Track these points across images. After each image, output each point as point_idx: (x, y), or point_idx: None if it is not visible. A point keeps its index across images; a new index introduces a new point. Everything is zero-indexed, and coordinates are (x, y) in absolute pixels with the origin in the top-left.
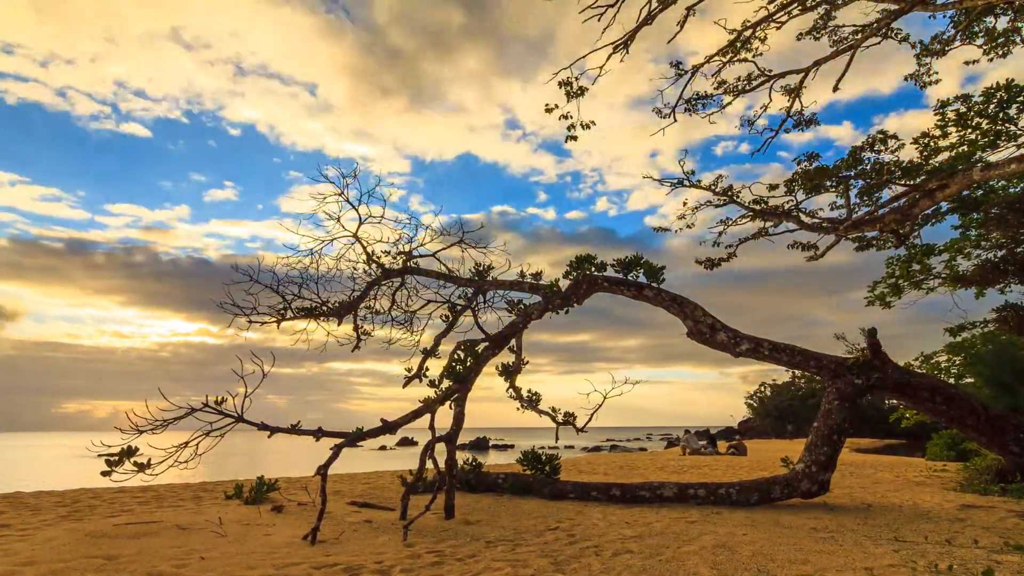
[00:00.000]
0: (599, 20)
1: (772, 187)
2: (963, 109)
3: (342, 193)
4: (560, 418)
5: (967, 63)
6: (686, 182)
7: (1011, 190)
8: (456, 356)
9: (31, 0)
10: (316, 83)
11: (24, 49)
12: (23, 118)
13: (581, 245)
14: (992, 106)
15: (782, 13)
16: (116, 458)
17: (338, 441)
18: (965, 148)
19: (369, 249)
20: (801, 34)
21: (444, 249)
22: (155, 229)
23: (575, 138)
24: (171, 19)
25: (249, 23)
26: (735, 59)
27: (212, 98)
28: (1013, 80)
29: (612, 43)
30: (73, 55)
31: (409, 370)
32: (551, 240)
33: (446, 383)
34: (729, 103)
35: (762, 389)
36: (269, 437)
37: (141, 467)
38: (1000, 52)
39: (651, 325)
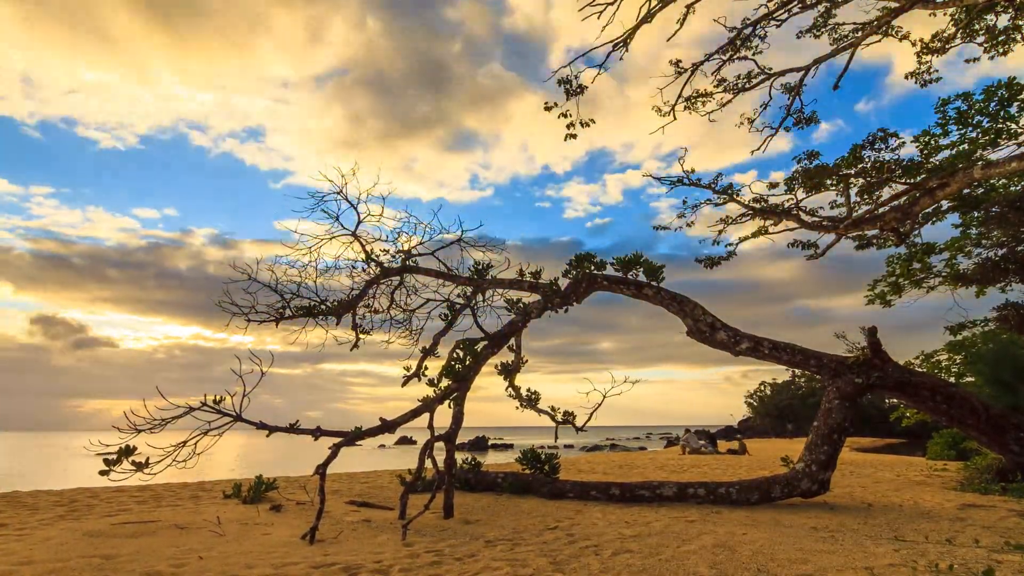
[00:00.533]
0: (598, 17)
1: (772, 185)
2: (963, 107)
3: (340, 192)
4: (559, 417)
5: (968, 61)
6: (685, 180)
7: (1012, 188)
8: (455, 355)
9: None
10: (310, 149)
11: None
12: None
13: (551, 256)
14: (993, 104)
15: (782, 11)
16: (114, 457)
17: (337, 440)
18: (966, 146)
19: (368, 247)
20: (801, 32)
21: (443, 248)
22: (164, 245)
23: (575, 136)
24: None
25: (258, 119)
26: (735, 57)
27: (220, 152)
28: (1014, 78)
29: (612, 40)
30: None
31: (408, 369)
32: (517, 254)
33: (445, 382)
34: (729, 100)
35: (762, 388)
36: (268, 436)
37: (139, 466)
38: (1001, 50)
39: (623, 329)
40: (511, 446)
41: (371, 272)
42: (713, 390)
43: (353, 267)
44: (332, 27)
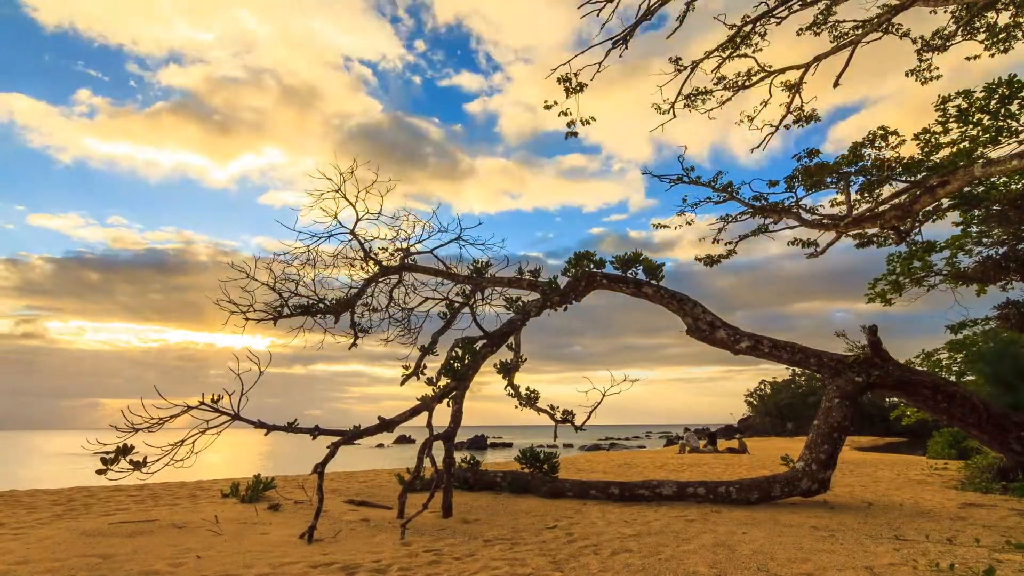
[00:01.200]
0: (598, 15)
1: (772, 183)
2: (964, 105)
3: (339, 190)
4: (559, 416)
5: (968, 59)
6: (685, 179)
7: (1012, 186)
8: (454, 354)
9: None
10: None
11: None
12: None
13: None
14: (993, 102)
15: (782, 8)
16: (111, 456)
17: (335, 439)
18: (966, 144)
19: (366, 246)
20: (801, 29)
21: (442, 246)
22: (169, 255)
23: (575, 134)
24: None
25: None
26: (735, 55)
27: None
28: (1015, 76)
29: (611, 38)
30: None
31: (407, 368)
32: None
33: (444, 381)
34: (729, 99)
35: (762, 387)
36: (266, 435)
37: (137, 465)
38: (1001, 48)
39: (591, 330)
40: (510, 445)
41: (369, 270)
42: (693, 390)
43: (352, 265)
44: (316, 127)
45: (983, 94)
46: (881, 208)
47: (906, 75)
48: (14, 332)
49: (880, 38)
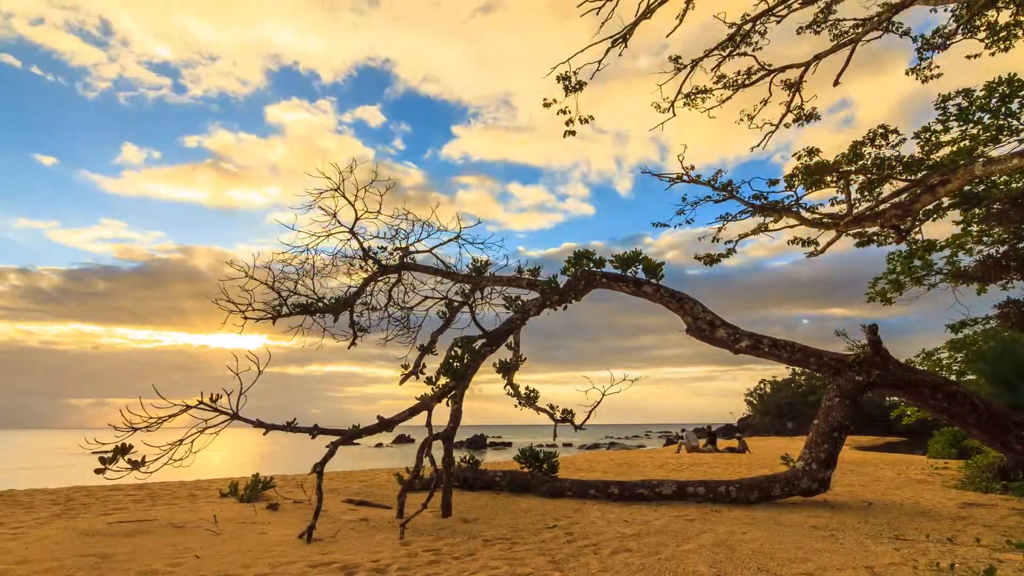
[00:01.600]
0: (597, 14)
1: (772, 182)
2: (965, 104)
3: (338, 188)
4: (558, 415)
5: (968, 57)
6: (685, 177)
7: (1013, 185)
8: (453, 353)
9: None
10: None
11: None
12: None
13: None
14: (994, 100)
15: (782, 7)
16: (110, 455)
17: (334, 439)
18: (967, 143)
19: (366, 245)
20: (801, 28)
21: (441, 245)
22: (171, 259)
23: (573, 132)
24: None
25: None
26: (735, 53)
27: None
28: (1015, 75)
29: (610, 36)
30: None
31: (406, 367)
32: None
33: (443, 380)
34: (729, 97)
35: (762, 386)
36: (265, 434)
37: (135, 465)
38: (1002, 47)
39: (570, 334)
40: (509, 444)
41: (369, 269)
42: (692, 390)
43: (351, 264)
44: (316, 172)
45: (983, 93)
46: (881, 207)
47: (906, 74)
48: (17, 336)
49: (880, 36)
